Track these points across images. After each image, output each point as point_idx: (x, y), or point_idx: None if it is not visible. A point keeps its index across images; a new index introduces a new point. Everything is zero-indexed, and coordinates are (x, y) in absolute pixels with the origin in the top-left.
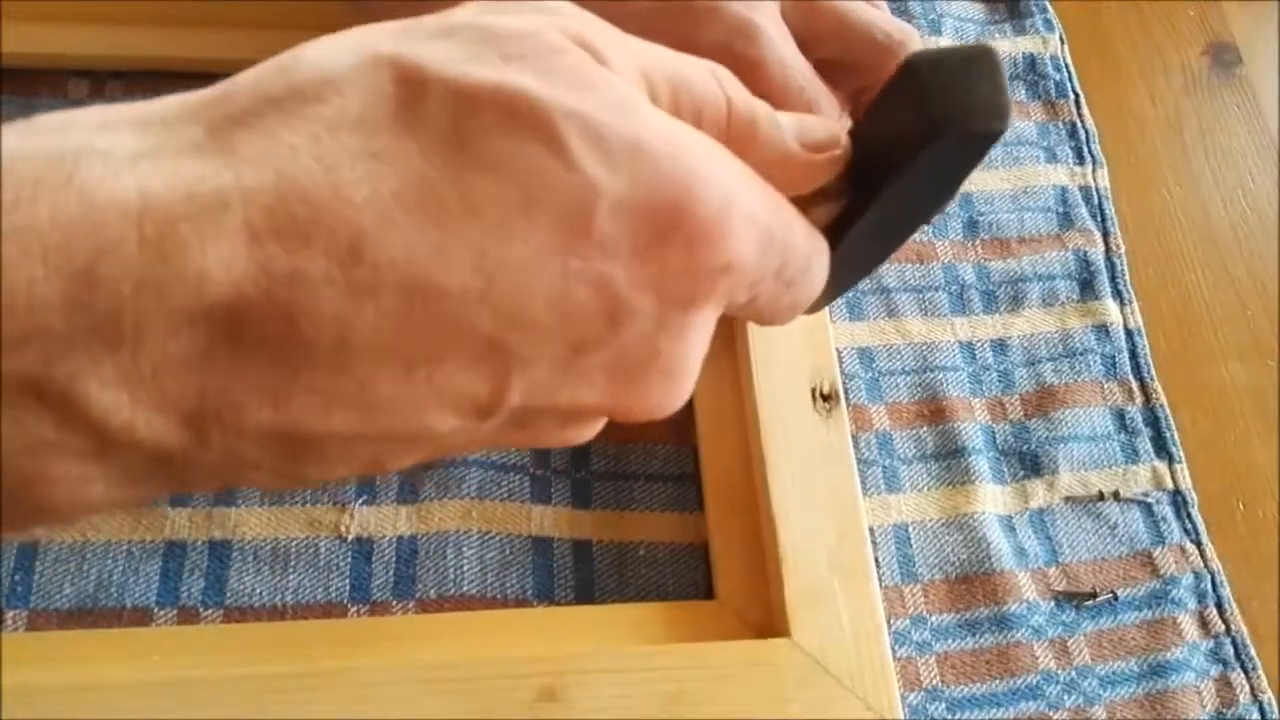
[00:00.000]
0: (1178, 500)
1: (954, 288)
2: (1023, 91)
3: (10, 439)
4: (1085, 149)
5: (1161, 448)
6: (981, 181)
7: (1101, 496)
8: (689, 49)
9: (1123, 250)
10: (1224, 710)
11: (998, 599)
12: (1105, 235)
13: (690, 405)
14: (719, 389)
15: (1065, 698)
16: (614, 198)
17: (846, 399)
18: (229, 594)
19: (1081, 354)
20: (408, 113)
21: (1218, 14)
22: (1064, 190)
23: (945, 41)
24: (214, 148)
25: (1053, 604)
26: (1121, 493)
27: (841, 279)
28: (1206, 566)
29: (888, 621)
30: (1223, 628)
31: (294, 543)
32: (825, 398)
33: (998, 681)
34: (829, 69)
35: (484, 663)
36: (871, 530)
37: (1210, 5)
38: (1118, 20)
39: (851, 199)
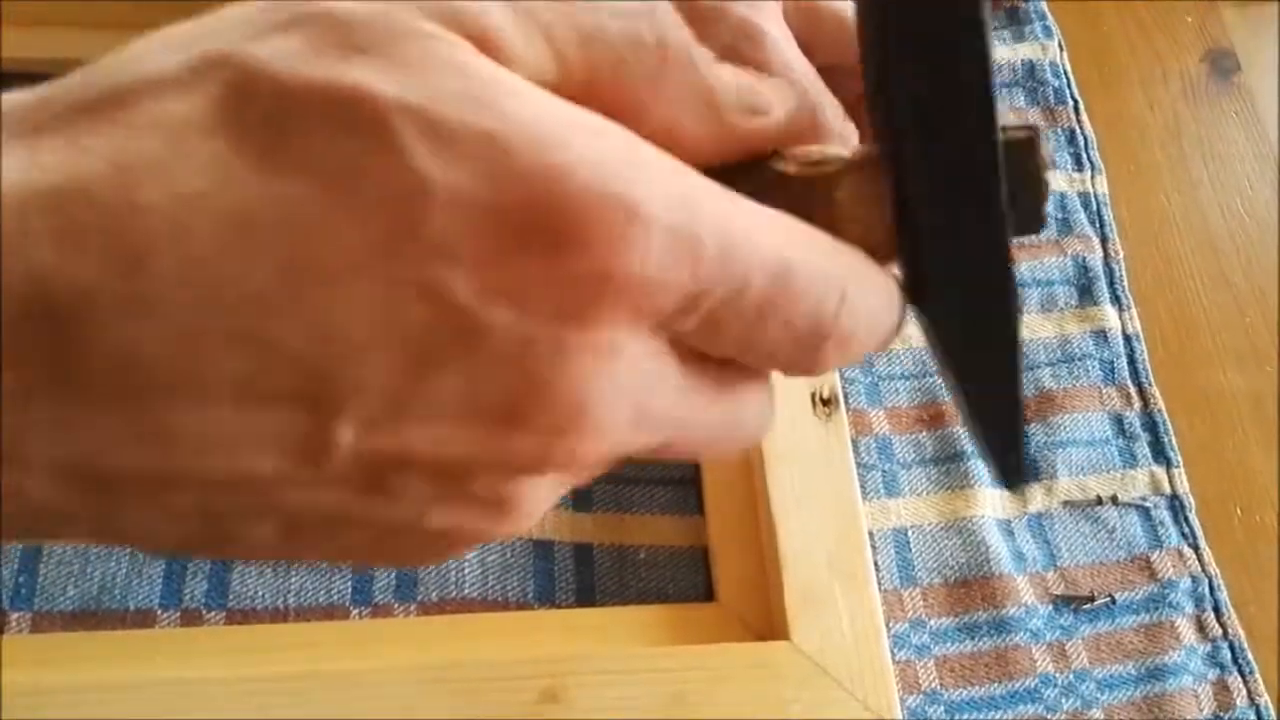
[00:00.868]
0: (1175, 505)
1: None
2: (1022, 98)
3: None
4: (1084, 155)
5: (1159, 452)
6: None
7: (1099, 501)
8: None
9: (1121, 256)
10: (1221, 713)
11: (996, 603)
12: (1104, 241)
13: None
14: None
15: (1063, 701)
16: (450, 195)
17: (846, 403)
18: (232, 596)
19: (1080, 359)
20: (230, 115)
21: (1216, 21)
22: (1063, 196)
23: None
24: (14, 153)
25: (1051, 608)
26: (1119, 497)
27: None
28: (1204, 571)
29: (887, 625)
30: (1220, 632)
31: None
32: (825, 402)
33: (996, 684)
34: (829, 75)
35: (485, 665)
36: (871, 534)
37: (1209, 12)
38: (1117, 27)
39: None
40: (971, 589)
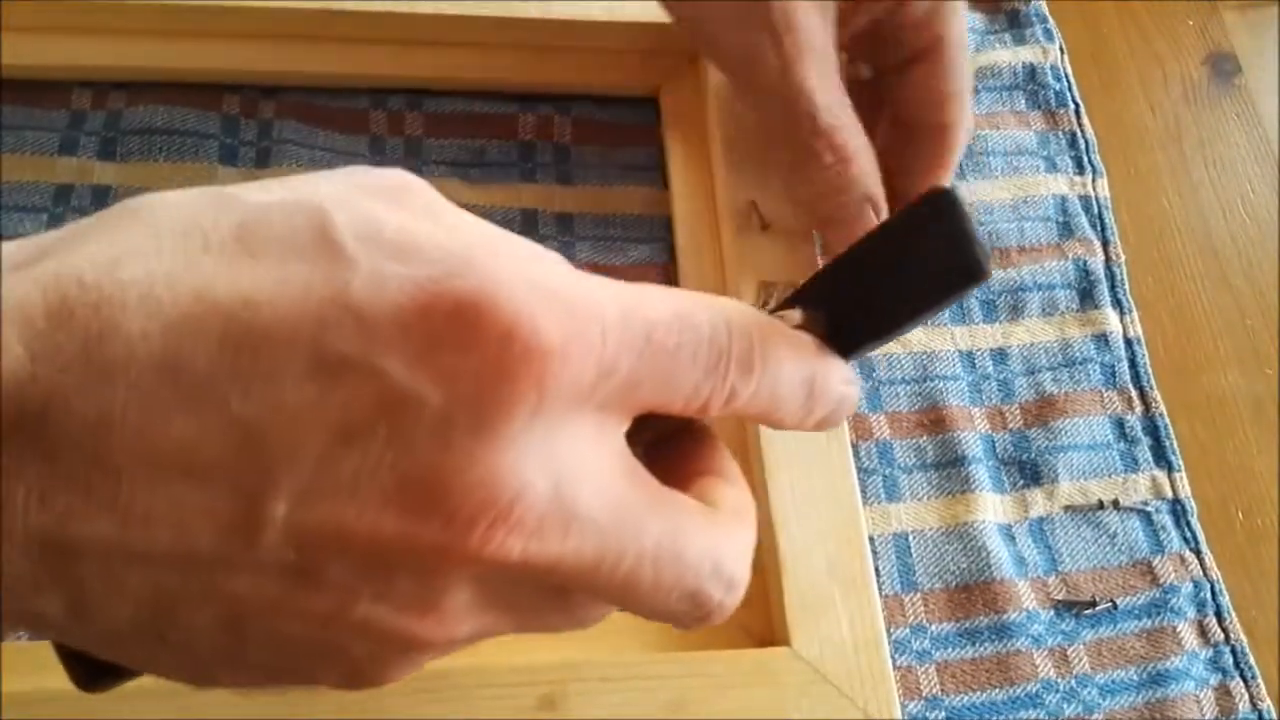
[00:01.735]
0: (1177, 509)
1: None
2: (1023, 101)
3: None
4: (1085, 158)
5: (1161, 456)
6: (981, 191)
7: (1101, 505)
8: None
9: (1122, 259)
10: (1223, 719)
11: (997, 608)
12: (1105, 244)
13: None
14: None
15: (1065, 706)
16: (373, 273)
17: None
18: None
19: (1081, 363)
20: (205, 221)
21: (1217, 24)
22: (1064, 199)
23: None
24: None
25: (1052, 613)
26: (1121, 501)
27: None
28: (1206, 575)
29: (888, 630)
30: (1222, 636)
31: None
32: None
33: (997, 690)
34: (868, 39)
35: (484, 670)
36: (871, 539)
37: (1210, 15)
38: (1117, 30)
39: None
40: (972, 594)
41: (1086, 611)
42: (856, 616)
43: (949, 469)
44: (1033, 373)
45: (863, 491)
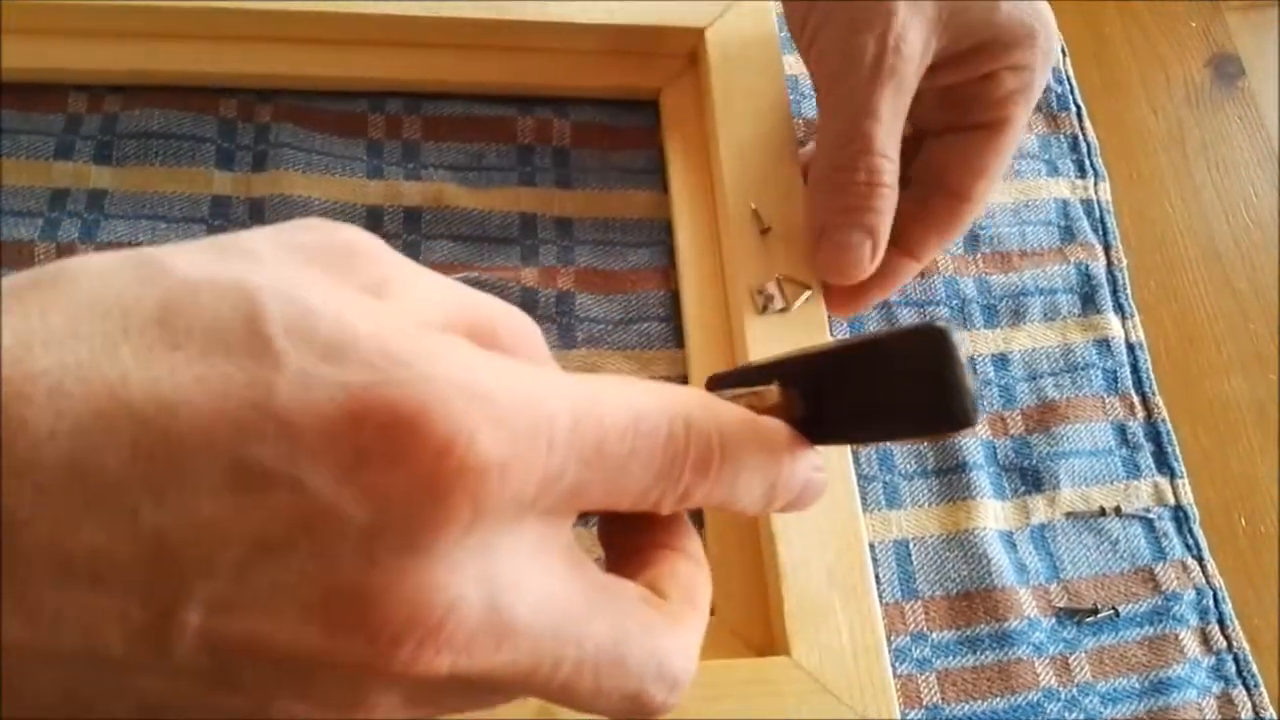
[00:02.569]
0: (1179, 515)
1: (955, 302)
2: None
3: None
4: (1087, 162)
5: (1163, 462)
6: None
7: (1103, 512)
8: None
9: (1124, 264)
10: None
11: (999, 615)
12: (1107, 249)
13: None
14: None
15: (1066, 715)
16: (301, 375)
17: None
18: None
19: (1083, 368)
20: (128, 298)
21: (1220, 26)
22: (1065, 203)
23: None
24: None
25: (1054, 620)
26: (1123, 508)
27: None
28: (1208, 582)
29: (888, 638)
30: (1225, 644)
31: None
32: None
33: (999, 699)
34: (935, 94)
35: None
36: (872, 546)
37: (1213, 17)
38: (1120, 32)
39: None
40: (973, 601)
41: (1088, 619)
42: (856, 625)
43: (950, 475)
44: (1034, 378)
45: (863, 498)
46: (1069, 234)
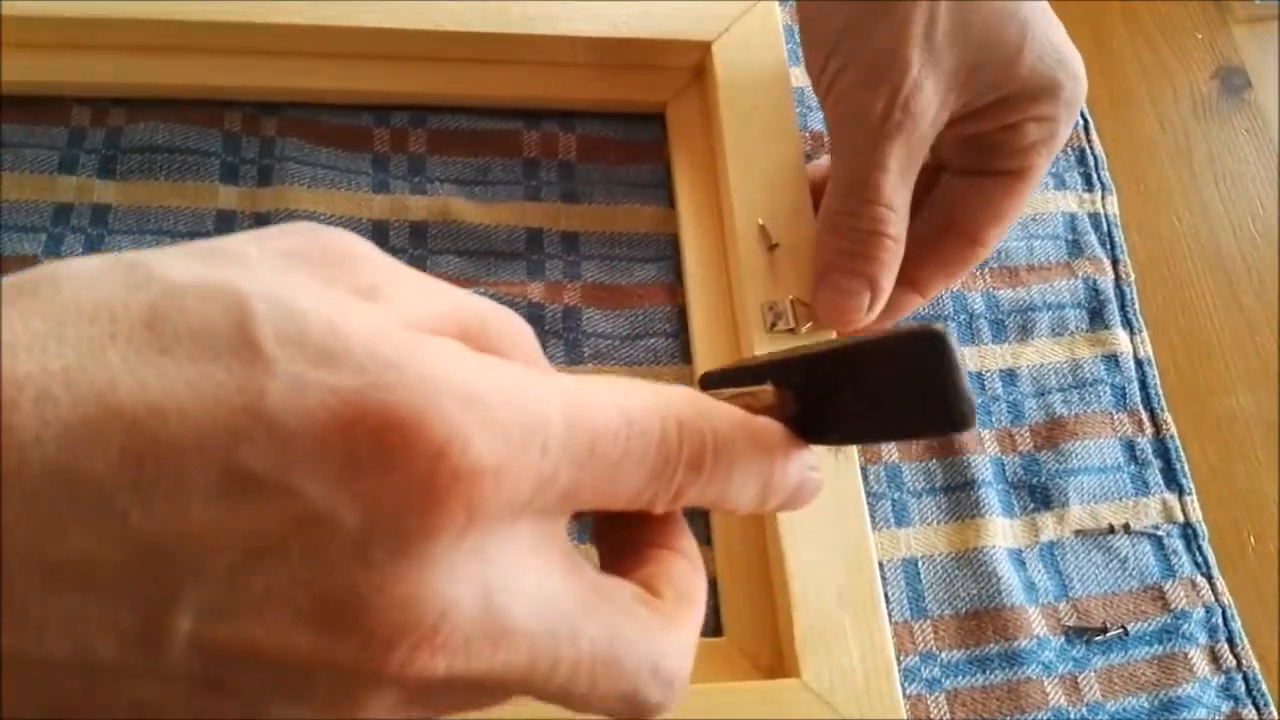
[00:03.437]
0: (1188, 533)
1: (963, 317)
2: None
3: None
4: (1094, 175)
5: (1172, 479)
6: None
7: (1112, 530)
8: None
9: (1132, 278)
10: None
11: (1008, 635)
12: (1115, 263)
13: None
14: None
15: None
16: (292, 381)
17: None
18: None
19: (1091, 384)
20: (115, 302)
21: (1226, 38)
22: (1073, 217)
23: None
24: None
25: (1063, 639)
26: (1132, 525)
27: None
28: (1217, 600)
29: (897, 658)
30: (1234, 663)
31: None
32: None
33: (1008, 719)
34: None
35: None
36: (880, 564)
37: (1219, 29)
38: (1127, 46)
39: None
40: (983, 621)
41: (1097, 638)
42: (867, 645)
43: (958, 493)
44: (1042, 394)
45: (872, 515)
46: (1076, 248)
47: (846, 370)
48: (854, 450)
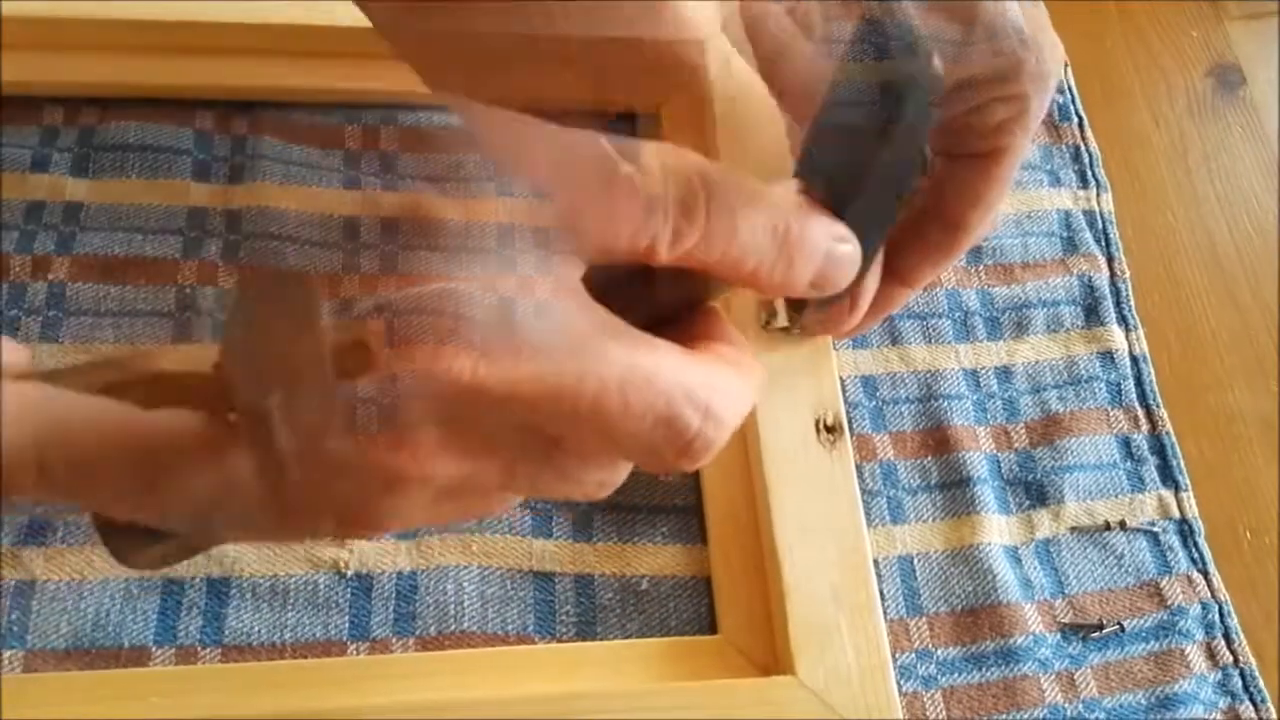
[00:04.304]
0: (1184, 529)
1: (958, 314)
2: None
3: None
4: (1089, 172)
5: (1168, 476)
6: None
7: (1108, 526)
8: None
9: (1127, 275)
10: None
11: (1004, 632)
12: (1110, 260)
13: None
14: None
15: None
16: None
17: (850, 428)
18: (227, 632)
19: (1087, 381)
20: None
21: (1221, 36)
22: (1068, 214)
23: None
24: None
25: (1059, 636)
26: (1128, 522)
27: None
28: (1214, 597)
29: (893, 655)
30: (1231, 659)
31: (293, 579)
32: (829, 429)
33: (1004, 716)
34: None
35: (486, 703)
36: (876, 562)
37: (1214, 26)
38: (1121, 43)
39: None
40: (979, 618)
41: (1094, 634)
42: (861, 643)
43: (954, 490)
44: (1038, 391)
45: (867, 513)
46: (1071, 245)
47: (841, 134)
48: (849, 449)
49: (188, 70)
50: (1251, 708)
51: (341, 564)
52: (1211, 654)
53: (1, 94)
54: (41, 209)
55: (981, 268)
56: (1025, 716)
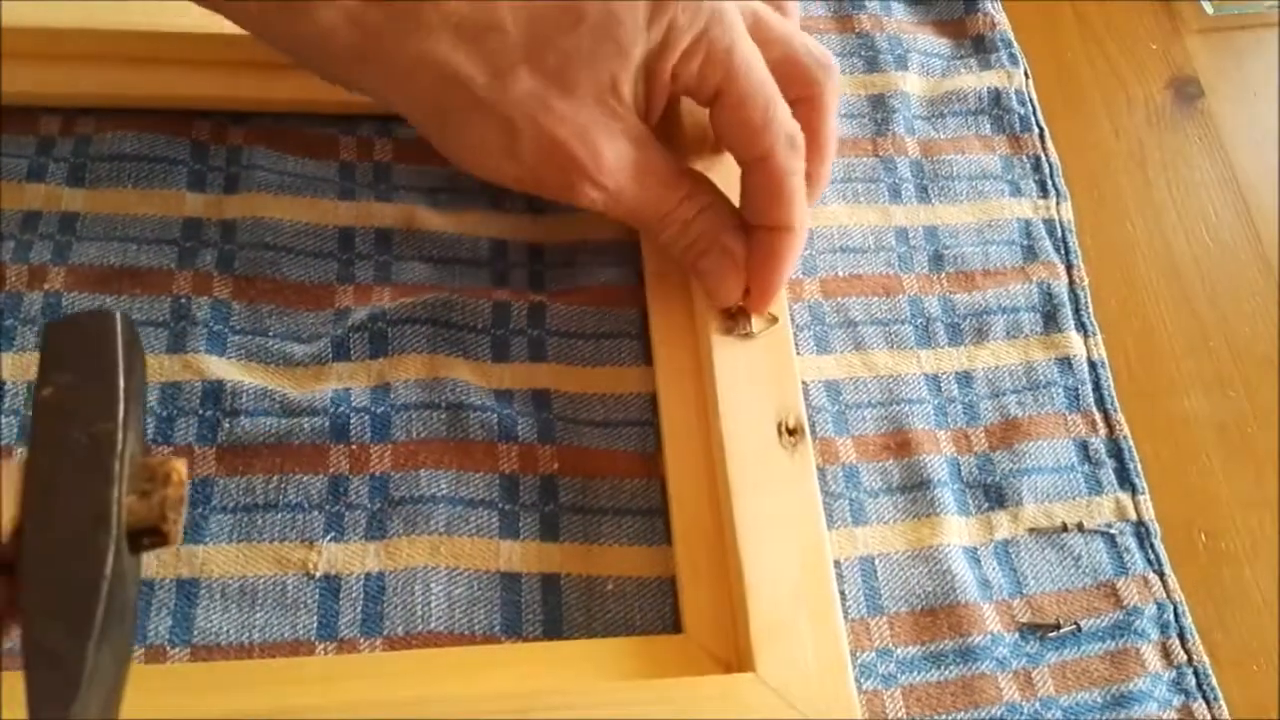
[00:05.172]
0: (1141, 531)
1: (919, 320)
2: (987, 125)
3: None
4: (1049, 182)
5: (1125, 479)
6: (946, 215)
7: (1065, 528)
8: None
9: (1086, 283)
10: None
11: (962, 631)
12: (1069, 268)
13: (658, 439)
14: (686, 422)
15: None
16: None
17: (813, 432)
18: (196, 632)
19: (1045, 386)
20: None
21: (1180, 48)
22: (1028, 223)
23: (912, 78)
24: None
25: (1017, 636)
26: (1085, 524)
27: None
28: (1169, 597)
29: (853, 654)
30: (1185, 658)
31: (262, 580)
32: (791, 432)
33: (962, 714)
34: None
35: (452, 700)
36: (838, 563)
37: (1173, 39)
38: (1081, 55)
39: None
40: (938, 617)
41: (1051, 634)
42: (821, 641)
43: (915, 492)
44: (997, 395)
45: (829, 515)
46: (1031, 253)
47: None
48: (810, 452)
49: (184, 81)
50: (1205, 706)
51: (310, 565)
52: (1166, 653)
53: None
54: (38, 219)
55: (943, 275)
56: (983, 714)
